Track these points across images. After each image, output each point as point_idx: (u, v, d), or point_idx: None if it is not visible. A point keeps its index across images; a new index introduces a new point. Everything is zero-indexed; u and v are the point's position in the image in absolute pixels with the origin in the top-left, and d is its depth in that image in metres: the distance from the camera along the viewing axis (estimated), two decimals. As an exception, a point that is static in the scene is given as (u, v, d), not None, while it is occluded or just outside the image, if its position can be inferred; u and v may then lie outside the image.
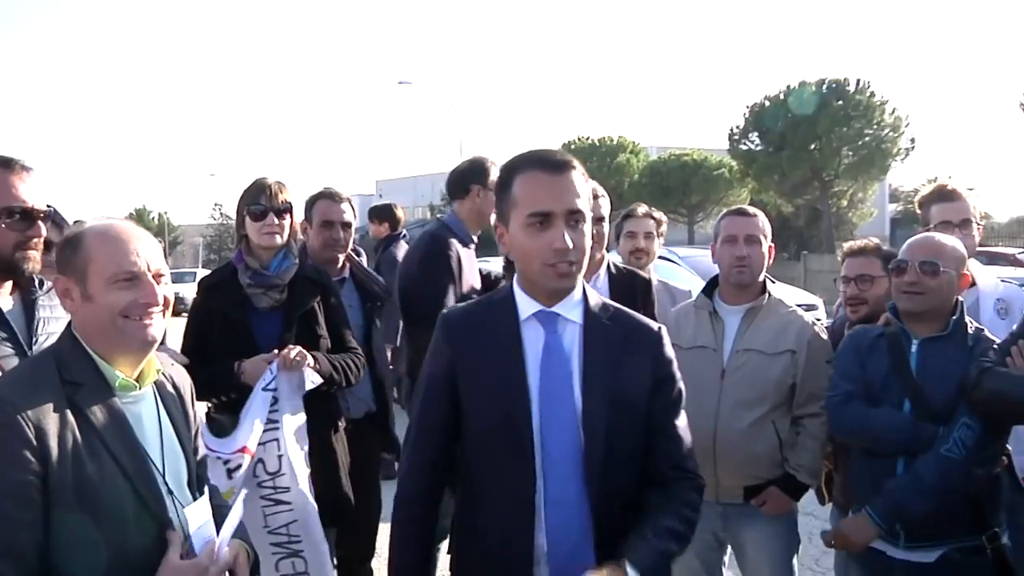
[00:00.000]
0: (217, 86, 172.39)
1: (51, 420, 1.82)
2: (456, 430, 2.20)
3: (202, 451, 2.28)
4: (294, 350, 3.26)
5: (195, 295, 3.58)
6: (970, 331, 2.88)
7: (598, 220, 3.71)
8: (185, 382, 2.24)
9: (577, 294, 2.17)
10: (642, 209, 4.75)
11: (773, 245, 3.43)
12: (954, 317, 2.88)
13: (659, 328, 2.27)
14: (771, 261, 3.40)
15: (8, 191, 2.42)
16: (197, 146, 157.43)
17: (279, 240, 3.46)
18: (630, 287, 3.79)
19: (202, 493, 2.14)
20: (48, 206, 2.57)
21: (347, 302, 3.89)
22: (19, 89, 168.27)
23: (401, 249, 6.87)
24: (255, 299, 3.42)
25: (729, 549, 3.52)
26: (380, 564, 3.35)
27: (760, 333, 3.30)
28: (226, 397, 3.36)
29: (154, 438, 2.02)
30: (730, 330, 3.35)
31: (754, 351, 3.28)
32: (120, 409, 1.95)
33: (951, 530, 2.75)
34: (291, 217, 3.54)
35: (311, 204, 4.05)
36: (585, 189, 2.11)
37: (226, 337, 3.38)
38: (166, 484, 2.00)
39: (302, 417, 3.29)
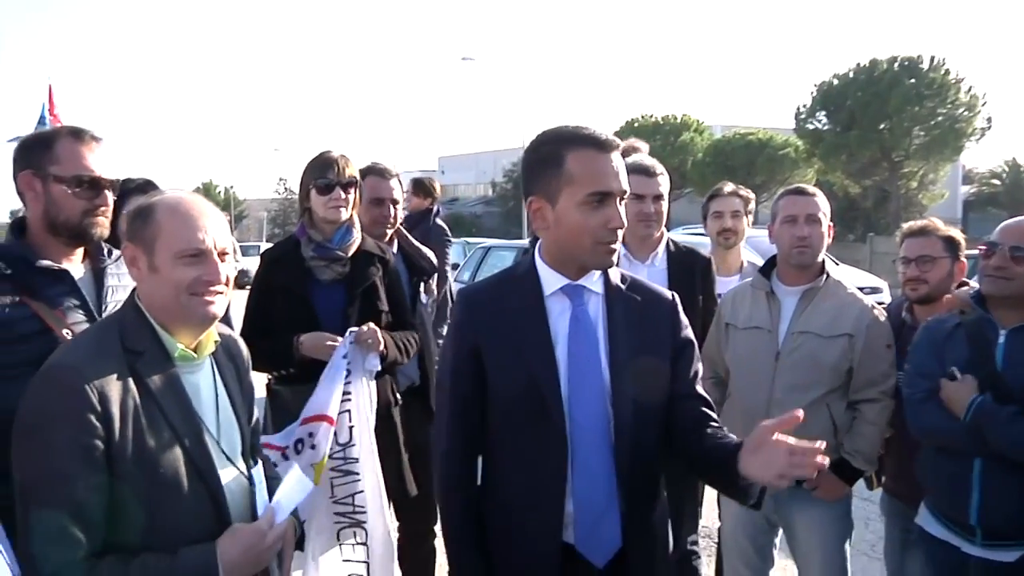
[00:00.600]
0: (282, 61, 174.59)
1: (114, 387, 1.86)
2: (484, 405, 2.22)
3: (256, 416, 2.31)
4: (370, 330, 3.29)
5: (257, 268, 3.61)
6: None
7: (657, 198, 3.69)
8: (241, 351, 2.28)
9: None
10: (728, 187, 4.55)
11: (832, 224, 3.36)
12: None
13: (672, 295, 2.33)
14: (830, 241, 3.33)
15: (78, 160, 2.49)
16: (262, 121, 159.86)
17: (345, 214, 3.48)
18: (689, 265, 3.75)
19: (256, 462, 2.18)
20: (117, 179, 2.63)
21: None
22: (90, 63, 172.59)
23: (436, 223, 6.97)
24: (318, 272, 3.44)
25: (780, 532, 3.49)
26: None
27: (817, 315, 3.23)
28: (285, 371, 3.40)
29: (210, 407, 2.05)
30: (787, 311, 3.29)
31: (810, 334, 3.21)
32: (179, 378, 1.99)
33: None
34: (356, 191, 3.55)
35: (360, 179, 3.99)
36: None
37: (288, 310, 3.40)
38: (223, 452, 2.03)
39: (371, 391, 3.34)
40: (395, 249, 4.09)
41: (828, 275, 3.32)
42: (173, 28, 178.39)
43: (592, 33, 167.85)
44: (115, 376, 1.87)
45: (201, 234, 1.98)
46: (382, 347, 3.32)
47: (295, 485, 2.13)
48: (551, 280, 2.20)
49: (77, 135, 2.52)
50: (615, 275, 2.26)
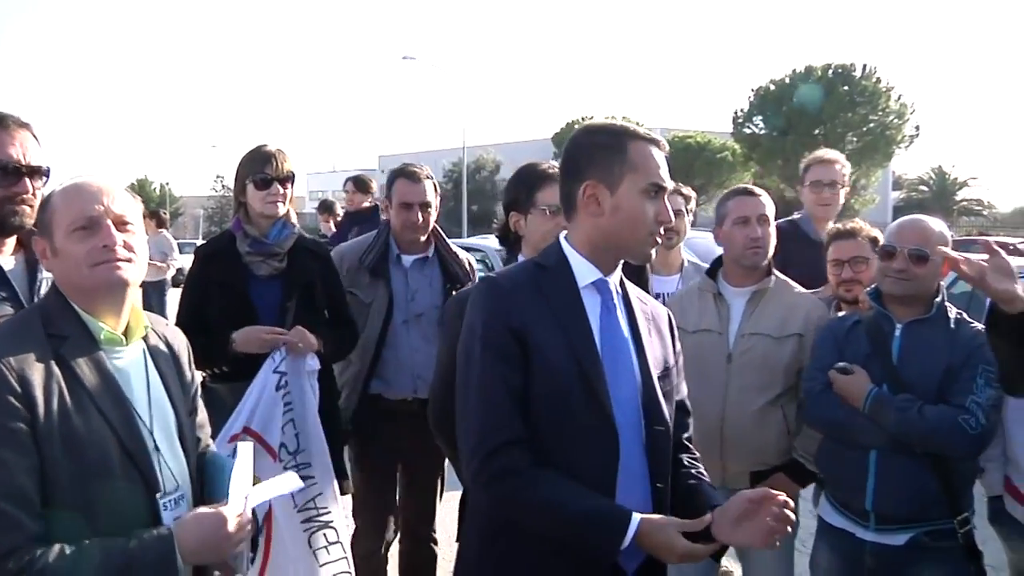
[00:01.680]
0: (220, 58, 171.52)
1: (35, 370, 1.81)
2: (522, 398, 2.03)
3: (202, 414, 2.26)
4: (297, 336, 3.26)
5: (192, 264, 3.54)
6: (951, 315, 2.87)
7: None
8: (182, 343, 2.22)
9: None
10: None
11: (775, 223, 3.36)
12: (937, 300, 2.87)
13: (666, 310, 2.38)
14: (776, 242, 3.32)
15: None
16: (199, 118, 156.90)
17: (282, 209, 3.42)
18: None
19: (191, 454, 2.11)
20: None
21: (427, 282, 3.85)
22: (22, 58, 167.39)
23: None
24: (254, 267, 3.39)
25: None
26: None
27: (767, 317, 3.23)
28: (219, 370, 3.35)
29: (141, 394, 1.99)
30: (736, 313, 3.28)
31: (761, 335, 3.20)
32: (106, 362, 1.94)
33: (922, 513, 2.76)
34: (292, 186, 3.50)
35: (391, 182, 3.89)
36: None
37: (225, 306, 3.35)
38: (153, 440, 1.97)
39: (313, 391, 3.33)
40: (430, 253, 3.88)
41: (776, 276, 3.33)
42: (106, 20, 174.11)
43: (533, 34, 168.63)
44: (35, 359, 1.82)
45: (90, 205, 1.93)
46: (315, 346, 3.30)
47: (280, 480, 2.09)
48: (585, 272, 2.13)
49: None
50: (621, 277, 2.23)
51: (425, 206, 3.81)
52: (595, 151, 2.11)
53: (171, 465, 2.00)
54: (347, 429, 3.66)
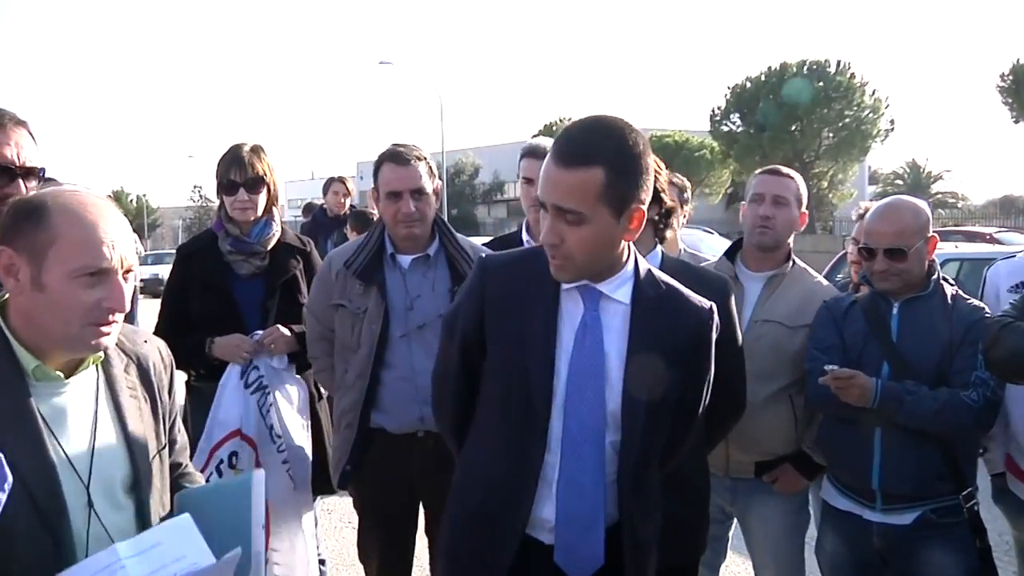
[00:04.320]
0: (196, 67, 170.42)
1: None
2: (475, 376, 2.14)
3: (181, 440, 2.02)
4: (271, 337, 3.22)
5: (173, 263, 3.48)
6: (948, 291, 2.84)
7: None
8: (161, 361, 1.93)
9: (629, 270, 2.06)
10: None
11: (806, 213, 3.23)
12: (933, 277, 2.85)
13: (710, 307, 2.13)
14: (801, 228, 3.21)
15: None
16: (175, 128, 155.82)
17: (251, 216, 3.32)
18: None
19: (160, 494, 1.81)
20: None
21: (429, 286, 3.18)
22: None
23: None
24: (236, 266, 3.33)
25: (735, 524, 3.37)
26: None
27: (782, 304, 3.11)
28: (196, 373, 3.32)
29: (81, 435, 1.69)
30: (750, 298, 3.16)
31: (774, 322, 3.09)
32: (28, 401, 1.63)
33: (928, 491, 2.74)
34: (268, 187, 3.39)
35: (376, 169, 3.24)
36: None
37: (207, 305, 3.29)
38: (87, 493, 1.66)
39: (296, 391, 3.31)
40: (432, 251, 3.23)
41: (795, 262, 3.20)
42: (80, 30, 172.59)
43: (510, 37, 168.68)
44: None
45: (107, 248, 1.63)
46: (292, 346, 3.26)
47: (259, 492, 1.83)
48: None
49: None
50: (649, 281, 2.07)
51: (418, 193, 3.12)
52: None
53: (111, 522, 1.70)
54: (347, 469, 3.16)
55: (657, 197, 2.59)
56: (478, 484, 2.12)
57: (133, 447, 1.76)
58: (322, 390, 3.56)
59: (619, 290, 2.04)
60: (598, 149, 1.88)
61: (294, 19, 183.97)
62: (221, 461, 3.12)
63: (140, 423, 1.80)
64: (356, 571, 4.01)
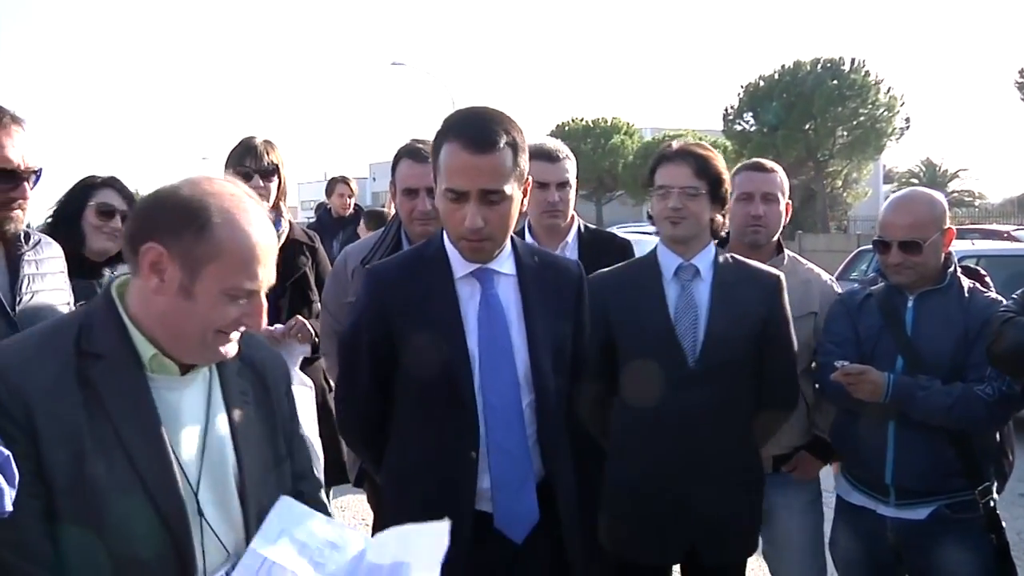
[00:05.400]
0: (210, 69, 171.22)
1: (47, 394, 1.46)
2: (388, 384, 2.25)
3: (302, 462, 1.89)
4: (298, 324, 3.23)
5: None
6: (965, 284, 2.82)
7: (562, 185, 3.31)
8: (280, 372, 1.86)
9: (508, 244, 2.25)
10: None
11: (790, 203, 3.23)
12: (950, 269, 2.82)
13: (577, 264, 2.43)
14: (787, 220, 3.21)
15: None
16: (189, 129, 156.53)
17: (265, 204, 3.33)
18: (604, 246, 3.40)
19: (252, 511, 1.66)
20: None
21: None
22: (18, 71, 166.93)
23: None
24: None
25: None
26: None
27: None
28: None
29: (192, 435, 1.61)
30: None
31: None
32: (149, 392, 1.56)
33: (943, 485, 2.72)
34: (279, 179, 3.41)
35: (394, 165, 3.22)
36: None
37: None
38: (196, 500, 1.58)
39: (305, 384, 3.29)
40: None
41: (787, 254, 3.21)
42: (96, 31, 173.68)
43: (522, 38, 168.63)
44: (51, 380, 1.48)
45: (255, 269, 1.58)
46: (314, 337, 3.28)
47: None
48: (461, 263, 2.21)
49: None
50: (525, 251, 2.29)
51: (434, 191, 3.33)
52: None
53: (220, 531, 1.61)
54: (363, 467, 3.18)
55: (721, 199, 2.70)
56: (417, 486, 2.22)
57: (244, 453, 1.67)
58: (332, 383, 3.55)
59: (505, 263, 2.24)
60: (500, 134, 2.08)
61: (307, 21, 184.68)
62: None
63: (261, 431, 1.73)
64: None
